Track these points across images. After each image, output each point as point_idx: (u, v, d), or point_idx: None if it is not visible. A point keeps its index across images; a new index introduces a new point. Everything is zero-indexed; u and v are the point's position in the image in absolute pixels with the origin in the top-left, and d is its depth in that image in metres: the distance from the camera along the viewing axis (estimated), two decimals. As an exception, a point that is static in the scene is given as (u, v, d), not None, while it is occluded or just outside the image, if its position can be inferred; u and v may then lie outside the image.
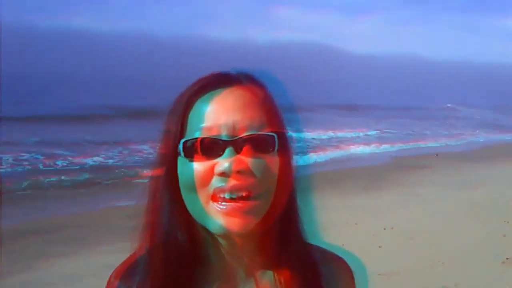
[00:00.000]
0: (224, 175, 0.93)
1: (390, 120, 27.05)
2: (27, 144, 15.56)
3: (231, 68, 1.04)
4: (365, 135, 21.08)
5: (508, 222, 7.72)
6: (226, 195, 0.93)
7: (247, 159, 0.93)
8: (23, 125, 18.77)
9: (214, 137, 0.94)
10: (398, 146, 18.32)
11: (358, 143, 18.71)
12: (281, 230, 1.02)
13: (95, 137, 18.03)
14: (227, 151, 0.93)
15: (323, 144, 17.08)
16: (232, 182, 0.92)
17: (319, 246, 1.12)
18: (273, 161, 0.96)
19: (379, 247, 6.27)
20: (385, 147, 18.11)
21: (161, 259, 1.01)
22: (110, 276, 1.09)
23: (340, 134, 20.43)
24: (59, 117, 20.75)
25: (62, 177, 11.93)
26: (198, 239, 1.01)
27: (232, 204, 0.93)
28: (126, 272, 1.07)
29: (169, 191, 0.99)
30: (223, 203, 0.93)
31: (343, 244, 1.18)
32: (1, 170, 12.41)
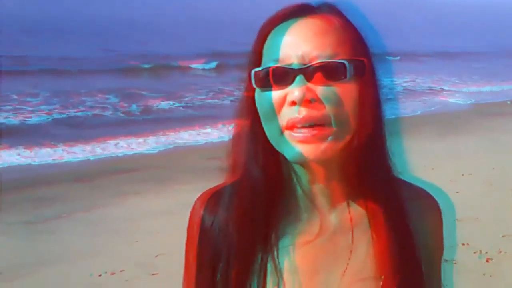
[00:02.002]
0: (294, 104, 0.92)
1: (464, 66, 25.91)
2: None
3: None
4: (444, 82, 20.33)
5: None
6: (300, 126, 0.92)
7: (317, 88, 0.91)
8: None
9: (284, 66, 0.93)
10: (478, 88, 17.56)
11: (438, 90, 18.09)
12: (366, 160, 0.99)
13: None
14: (297, 79, 0.92)
15: (400, 90, 16.63)
16: (304, 112, 0.91)
17: (408, 181, 1.08)
18: (348, 88, 0.93)
19: (457, 192, 6.11)
20: (465, 90, 17.45)
21: (245, 190, 1.02)
22: (195, 203, 1.11)
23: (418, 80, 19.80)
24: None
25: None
26: (280, 169, 1.02)
27: (308, 130, 0.92)
28: (211, 200, 1.08)
29: (251, 123, 1.01)
30: (298, 131, 0.92)
31: (434, 188, 1.14)
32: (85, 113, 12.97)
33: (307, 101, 0.91)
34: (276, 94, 0.94)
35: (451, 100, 15.96)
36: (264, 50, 0.97)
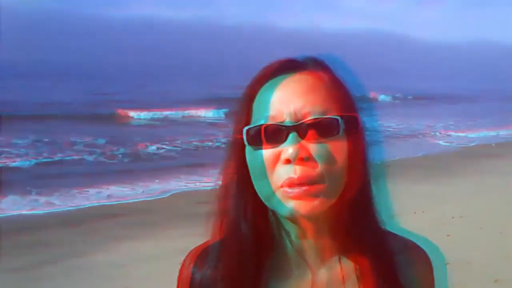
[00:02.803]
0: (289, 162, 0.92)
1: (459, 110, 26.25)
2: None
3: (297, 55, 1.02)
4: (435, 125, 20.52)
5: None
6: (296, 182, 0.92)
7: (311, 145, 0.92)
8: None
9: (277, 123, 0.93)
10: (468, 134, 17.69)
11: (428, 133, 18.23)
12: (355, 215, 1.00)
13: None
14: (290, 136, 0.92)
15: (392, 133, 16.77)
16: (298, 172, 0.91)
17: (396, 233, 1.08)
18: (340, 145, 0.93)
19: (447, 236, 6.12)
20: (457, 135, 17.58)
21: (232, 247, 1.02)
22: (184, 260, 1.11)
23: (407, 124, 19.99)
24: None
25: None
26: (268, 225, 1.02)
27: (302, 187, 0.92)
28: (200, 257, 1.08)
29: (239, 179, 1.00)
30: (292, 188, 0.92)
31: (424, 241, 1.15)
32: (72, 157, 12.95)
33: (301, 159, 0.91)
34: (269, 152, 0.93)
35: (442, 143, 16.10)
36: (254, 107, 0.97)
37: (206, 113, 21.81)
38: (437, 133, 18.25)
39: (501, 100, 31.69)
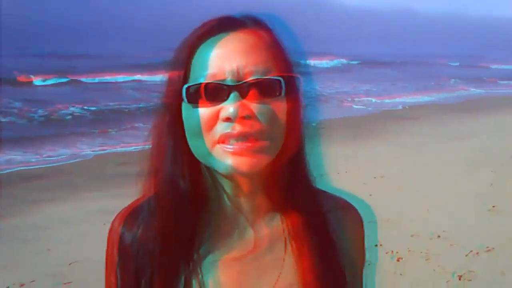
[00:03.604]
0: (229, 120, 0.90)
1: (380, 75, 27.03)
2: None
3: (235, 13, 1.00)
4: (355, 88, 21.03)
5: (495, 172, 7.83)
6: (233, 141, 0.91)
7: (252, 104, 0.91)
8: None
9: (218, 82, 0.91)
10: (387, 100, 18.23)
11: (350, 96, 18.66)
12: (289, 174, 1.01)
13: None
14: (231, 95, 0.90)
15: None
16: (238, 128, 0.90)
17: (327, 191, 1.11)
18: (281, 105, 0.93)
19: (370, 195, 6.34)
20: (374, 100, 18.09)
21: (168, 204, 1.00)
22: (113, 221, 1.08)
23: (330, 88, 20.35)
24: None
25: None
26: (204, 183, 1.01)
27: (240, 144, 0.91)
28: (130, 217, 1.06)
29: (174, 137, 0.98)
30: (231, 143, 0.91)
31: (355, 199, 1.18)
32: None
33: (242, 117, 0.90)
34: (208, 110, 0.92)
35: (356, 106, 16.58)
36: (193, 64, 0.95)
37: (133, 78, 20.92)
38: (358, 99, 18.62)
39: (418, 65, 32.88)
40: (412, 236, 5.49)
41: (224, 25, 0.96)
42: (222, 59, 0.92)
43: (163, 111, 0.99)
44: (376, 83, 22.76)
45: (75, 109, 13.76)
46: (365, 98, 18.37)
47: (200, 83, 0.92)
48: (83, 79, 19.80)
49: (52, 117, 12.83)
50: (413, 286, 4.49)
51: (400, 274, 4.68)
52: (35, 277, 4.62)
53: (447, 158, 8.87)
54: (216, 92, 0.91)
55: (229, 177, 0.97)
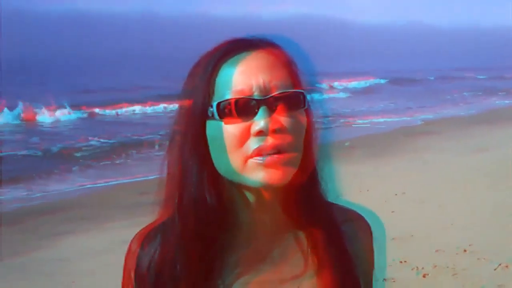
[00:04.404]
0: (261, 133, 0.93)
1: (397, 90, 26.99)
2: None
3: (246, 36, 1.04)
4: (372, 106, 20.94)
5: (519, 182, 7.71)
6: (265, 153, 0.94)
7: (282, 118, 0.94)
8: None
9: (247, 97, 0.94)
10: (404, 117, 18.09)
11: (366, 115, 18.57)
12: (305, 187, 1.03)
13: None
14: (261, 110, 0.94)
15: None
16: (270, 141, 0.93)
17: (338, 204, 1.13)
18: (303, 118, 0.98)
19: (392, 212, 6.27)
20: (392, 117, 17.98)
21: (193, 222, 1.00)
22: (130, 243, 1.09)
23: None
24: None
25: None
26: (226, 199, 1.01)
27: (273, 156, 0.94)
28: (148, 238, 1.06)
29: (198, 155, 0.99)
30: (263, 157, 0.94)
31: (363, 210, 1.19)
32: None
33: (273, 130, 0.93)
34: (239, 126, 0.95)
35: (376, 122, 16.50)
36: (217, 82, 0.97)
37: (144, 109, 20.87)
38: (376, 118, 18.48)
39: (437, 78, 32.76)
40: (437, 251, 5.40)
41: (244, 44, 1.00)
42: (247, 75, 0.96)
43: (184, 132, 1.01)
44: (396, 99, 22.71)
45: (94, 142, 13.88)
46: (385, 115, 18.26)
47: (231, 99, 0.95)
48: (100, 111, 20.00)
49: (69, 150, 12.93)
50: (441, 302, 4.40)
51: (428, 291, 4.60)
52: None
53: (470, 171, 8.76)
54: (246, 107, 0.95)
55: (255, 191, 0.99)
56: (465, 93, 25.05)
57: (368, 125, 16.12)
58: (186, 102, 1.00)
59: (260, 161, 0.94)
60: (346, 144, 11.68)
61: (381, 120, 17.01)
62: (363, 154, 10.58)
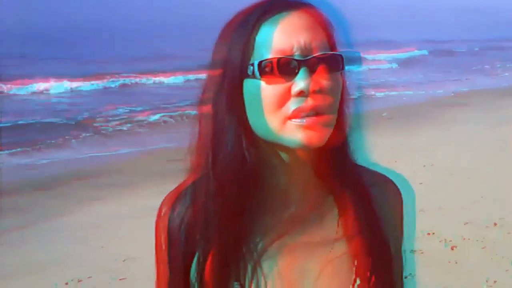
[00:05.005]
0: (302, 94, 0.93)
1: (422, 60, 26.56)
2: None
3: None
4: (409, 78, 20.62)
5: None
6: (304, 114, 0.94)
7: (322, 79, 0.94)
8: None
9: (289, 57, 0.93)
10: (431, 88, 17.80)
11: (393, 85, 18.33)
12: (336, 151, 1.02)
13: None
14: (302, 70, 0.93)
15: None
16: (310, 101, 0.93)
17: (367, 167, 1.12)
18: (340, 80, 0.98)
19: (420, 183, 6.22)
20: (419, 87, 17.73)
21: (231, 180, 0.99)
22: (160, 207, 1.09)
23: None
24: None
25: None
26: (262, 159, 1.01)
27: (313, 118, 0.93)
28: (177, 201, 1.06)
29: (235, 113, 0.98)
30: (303, 117, 0.93)
31: (395, 175, 1.18)
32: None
33: (314, 91, 0.93)
34: (280, 85, 0.94)
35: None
36: (258, 40, 0.96)
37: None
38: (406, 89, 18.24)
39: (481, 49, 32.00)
40: (466, 224, 5.37)
41: (284, 4, 0.98)
42: (288, 35, 0.95)
43: (218, 92, 0.99)
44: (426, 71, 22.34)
45: (123, 109, 14.01)
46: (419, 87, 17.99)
47: (273, 58, 0.94)
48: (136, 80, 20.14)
49: (97, 118, 13.07)
50: (469, 274, 4.38)
51: (456, 263, 4.57)
52: (91, 273, 4.74)
53: (499, 143, 8.62)
54: (287, 67, 0.94)
55: (291, 152, 0.99)
56: (498, 65, 24.46)
57: (404, 98, 15.88)
58: (221, 62, 0.99)
59: (299, 123, 0.93)
60: (384, 114, 11.59)
61: (411, 93, 16.76)
62: (393, 125, 10.49)
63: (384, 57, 26.19)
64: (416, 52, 29.44)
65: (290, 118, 0.94)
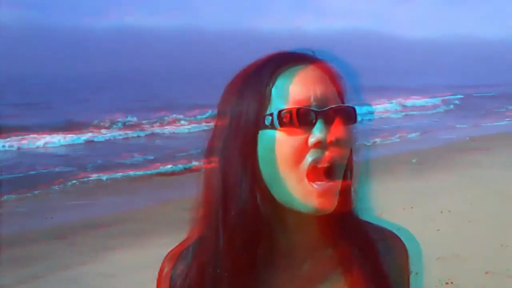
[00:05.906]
0: (319, 145, 0.94)
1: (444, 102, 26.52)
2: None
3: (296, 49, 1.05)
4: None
5: None
6: (323, 165, 0.94)
7: (338, 130, 0.95)
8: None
9: (307, 107, 0.94)
10: (453, 131, 17.70)
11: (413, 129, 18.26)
12: (340, 204, 1.01)
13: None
14: (319, 121, 0.95)
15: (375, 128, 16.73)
16: (327, 153, 0.94)
17: (372, 222, 1.11)
18: (352, 132, 0.99)
19: (437, 230, 6.14)
20: (441, 131, 17.64)
21: (240, 233, 0.97)
22: (162, 263, 1.09)
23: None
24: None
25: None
26: (270, 217, 0.99)
27: (328, 183, 0.95)
28: (179, 257, 1.07)
29: (249, 166, 0.97)
30: (318, 183, 0.94)
31: (399, 229, 1.18)
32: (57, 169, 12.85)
33: (331, 142, 0.94)
34: (297, 137, 0.94)
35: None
36: (274, 92, 0.97)
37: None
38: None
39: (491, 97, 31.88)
40: (486, 273, 5.25)
41: (300, 57, 1.00)
42: (305, 86, 0.96)
43: (228, 142, 0.98)
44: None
45: (139, 158, 14.12)
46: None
47: (292, 108, 0.94)
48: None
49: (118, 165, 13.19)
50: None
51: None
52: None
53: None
54: (306, 117, 0.95)
55: (302, 215, 0.97)
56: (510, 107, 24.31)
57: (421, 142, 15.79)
58: (232, 112, 0.98)
59: (315, 187, 0.94)
60: (413, 160, 11.51)
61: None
62: (408, 170, 10.40)
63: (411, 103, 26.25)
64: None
65: (307, 175, 0.94)
